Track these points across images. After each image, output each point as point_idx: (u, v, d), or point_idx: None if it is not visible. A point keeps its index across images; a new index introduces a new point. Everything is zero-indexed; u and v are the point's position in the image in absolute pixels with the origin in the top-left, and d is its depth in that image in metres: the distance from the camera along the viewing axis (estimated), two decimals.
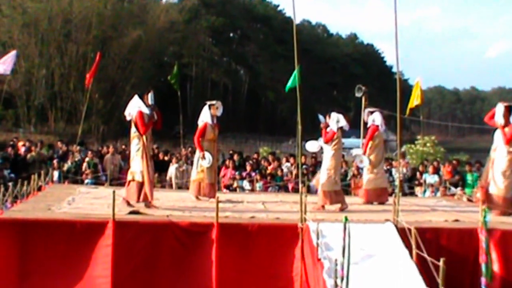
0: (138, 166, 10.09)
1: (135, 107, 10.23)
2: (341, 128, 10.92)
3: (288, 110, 69.94)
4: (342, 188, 14.72)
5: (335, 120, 10.84)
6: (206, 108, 11.64)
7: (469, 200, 13.31)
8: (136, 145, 10.17)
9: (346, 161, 18.44)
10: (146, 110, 10.16)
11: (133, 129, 10.19)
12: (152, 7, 53.80)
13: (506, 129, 10.56)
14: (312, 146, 11.69)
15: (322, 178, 10.89)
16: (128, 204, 9.99)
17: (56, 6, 43.96)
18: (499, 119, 10.73)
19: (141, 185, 10.09)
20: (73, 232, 8.44)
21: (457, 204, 12.70)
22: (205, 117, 11.57)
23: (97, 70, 15.39)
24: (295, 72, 15.43)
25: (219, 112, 11.67)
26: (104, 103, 45.42)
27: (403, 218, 8.50)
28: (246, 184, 15.99)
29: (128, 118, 10.33)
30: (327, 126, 10.99)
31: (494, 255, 8.39)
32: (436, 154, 25.13)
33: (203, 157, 11.40)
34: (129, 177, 10.27)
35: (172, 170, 16.58)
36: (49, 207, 9.73)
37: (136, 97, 10.36)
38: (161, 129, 10.63)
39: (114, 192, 8.51)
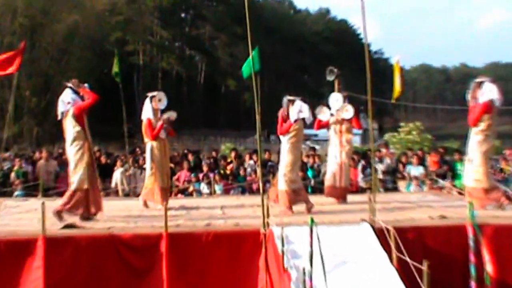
0: (83, 171, 9.95)
1: (68, 102, 10.07)
2: (302, 120, 10.92)
3: (253, 100, 69.98)
4: (314, 186, 14.89)
5: (297, 110, 10.84)
6: (147, 101, 11.55)
7: (460, 193, 13.37)
8: (79, 148, 9.96)
9: (319, 155, 18.47)
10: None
11: (75, 128, 9.97)
12: None
13: (476, 108, 10.68)
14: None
15: (279, 176, 10.92)
16: (61, 218, 9.79)
17: None
18: (468, 97, 10.93)
19: (87, 193, 9.99)
20: None
21: (445, 198, 12.80)
22: (146, 112, 11.48)
23: (19, 61, 14.99)
24: (253, 55, 15.41)
25: (162, 105, 11.59)
26: (37, 102, 44.94)
27: (381, 217, 8.53)
28: (203, 187, 15.89)
29: (60, 117, 10.16)
30: (285, 115, 11.00)
31: (486, 254, 8.46)
32: (423, 142, 25.31)
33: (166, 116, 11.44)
34: (73, 186, 10.06)
35: (117, 175, 16.38)
36: None
37: (68, 91, 10.18)
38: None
39: (43, 203, 8.38)
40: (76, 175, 9.97)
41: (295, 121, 10.80)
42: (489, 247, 8.54)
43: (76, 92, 10.14)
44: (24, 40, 17.18)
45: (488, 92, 10.53)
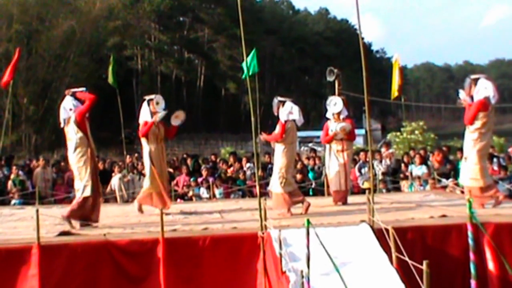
0: (88, 178, 9.97)
1: (70, 109, 10.13)
2: (293, 121, 10.93)
3: (254, 103, 69.86)
4: (315, 188, 14.89)
5: (287, 111, 10.86)
6: (145, 104, 11.56)
7: (463, 192, 13.31)
8: (82, 155, 10.00)
9: (320, 156, 18.48)
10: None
11: (78, 134, 10.00)
12: None
13: (471, 106, 10.51)
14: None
15: (274, 179, 10.95)
16: (71, 224, 9.84)
17: None
18: (463, 95, 10.73)
19: (91, 200, 10.01)
20: None
21: (447, 198, 12.73)
22: (144, 115, 11.49)
23: (15, 69, 15.04)
24: (250, 57, 15.46)
25: (160, 108, 11.59)
26: (35, 109, 44.86)
27: (381, 218, 8.49)
28: (203, 191, 15.88)
29: (62, 125, 10.21)
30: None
31: (488, 253, 8.45)
32: (426, 141, 25.28)
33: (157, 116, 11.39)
34: (79, 193, 10.07)
35: (115, 181, 16.36)
36: None
37: (69, 98, 10.23)
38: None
39: (37, 211, 8.38)
40: (81, 182, 10.01)
41: (285, 121, 10.81)
42: (490, 245, 8.52)
43: (77, 99, 10.19)
44: (19, 47, 17.16)
45: (483, 89, 10.35)
